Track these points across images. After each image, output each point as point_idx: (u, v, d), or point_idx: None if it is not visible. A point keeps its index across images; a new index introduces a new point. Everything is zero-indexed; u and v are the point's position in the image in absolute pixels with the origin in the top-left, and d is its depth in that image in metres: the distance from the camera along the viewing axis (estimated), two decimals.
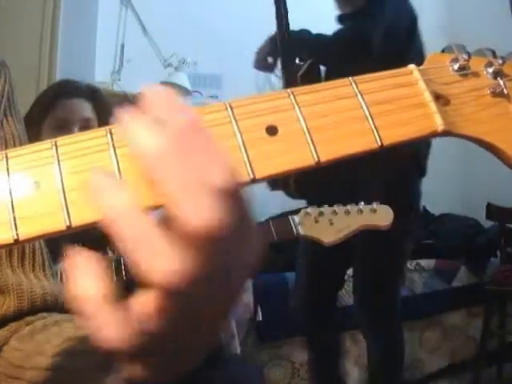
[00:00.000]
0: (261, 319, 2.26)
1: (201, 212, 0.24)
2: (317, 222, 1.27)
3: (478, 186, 3.36)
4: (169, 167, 0.25)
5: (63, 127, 1.33)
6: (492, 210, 2.68)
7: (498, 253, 2.74)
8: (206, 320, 0.28)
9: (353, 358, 2.40)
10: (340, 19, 1.99)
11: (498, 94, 0.35)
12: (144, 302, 0.26)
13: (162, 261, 0.25)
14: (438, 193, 3.42)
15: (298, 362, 2.35)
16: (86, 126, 1.35)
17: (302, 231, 1.27)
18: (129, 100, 2.95)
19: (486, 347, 2.46)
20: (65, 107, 1.36)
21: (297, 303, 2.02)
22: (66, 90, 1.40)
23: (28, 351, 0.46)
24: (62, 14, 2.29)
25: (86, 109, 1.38)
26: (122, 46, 3.11)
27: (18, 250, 0.53)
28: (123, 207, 0.25)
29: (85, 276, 0.27)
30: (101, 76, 2.93)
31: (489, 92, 0.35)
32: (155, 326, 0.26)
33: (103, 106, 1.41)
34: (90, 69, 2.95)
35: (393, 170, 1.73)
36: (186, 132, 0.26)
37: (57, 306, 0.54)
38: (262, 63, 2.05)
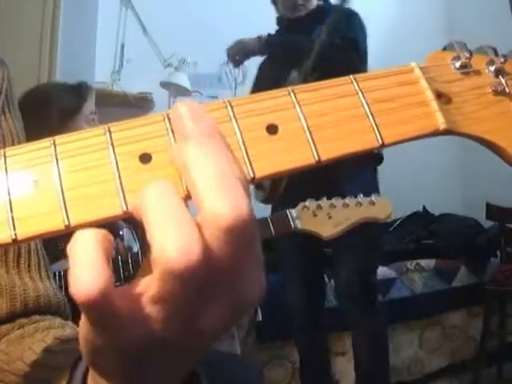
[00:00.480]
0: (261, 319, 2.26)
1: (236, 203, 0.25)
2: (315, 215, 1.26)
3: (478, 185, 3.36)
4: (205, 162, 0.26)
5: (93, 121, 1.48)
6: (492, 210, 2.68)
7: (498, 253, 2.74)
8: (207, 321, 0.27)
9: (352, 358, 2.40)
10: (281, 22, 2.03)
11: (499, 92, 0.34)
12: (147, 283, 0.26)
13: (183, 242, 0.24)
14: (437, 193, 3.42)
15: (298, 362, 2.34)
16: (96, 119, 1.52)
17: (299, 225, 1.26)
18: (129, 100, 2.95)
19: (486, 347, 2.46)
20: (90, 102, 1.52)
21: (294, 305, 2.03)
22: (91, 89, 1.55)
23: (12, 355, 0.46)
24: (62, 14, 2.29)
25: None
26: (122, 46, 3.10)
27: (14, 249, 0.53)
28: None
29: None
30: (101, 76, 2.93)
31: (490, 90, 0.35)
32: (155, 310, 0.26)
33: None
34: (90, 69, 2.94)
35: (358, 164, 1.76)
36: (210, 134, 0.27)
37: (50, 308, 0.54)
38: (239, 55, 2.10)
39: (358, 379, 2.02)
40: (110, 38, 3.08)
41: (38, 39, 2.23)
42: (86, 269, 0.25)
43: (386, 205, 1.28)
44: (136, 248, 1.32)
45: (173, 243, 0.24)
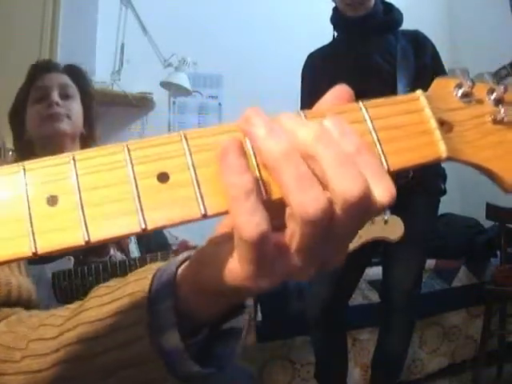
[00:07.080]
0: (261, 319, 2.26)
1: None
2: None
3: (478, 185, 3.35)
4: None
5: (43, 97, 1.35)
6: (492, 210, 2.68)
7: (498, 253, 2.74)
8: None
9: (353, 359, 2.40)
10: (340, 20, 2.02)
11: (498, 121, 0.36)
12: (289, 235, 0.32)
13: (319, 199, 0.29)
14: None
15: (298, 362, 2.35)
16: (64, 91, 1.38)
17: None
18: (129, 100, 2.95)
19: (486, 347, 2.46)
20: (43, 78, 1.39)
21: (314, 302, 1.97)
22: (45, 66, 1.44)
23: (19, 333, 0.47)
24: (62, 14, 2.30)
25: (64, 78, 1.41)
26: (122, 46, 3.11)
27: None
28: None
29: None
30: (101, 76, 2.93)
31: (490, 119, 0.36)
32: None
33: (82, 80, 1.45)
34: (90, 69, 2.94)
35: None
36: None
37: (31, 302, 0.57)
38: None
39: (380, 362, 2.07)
40: (110, 38, 3.09)
41: (38, 39, 2.23)
42: (254, 213, 0.29)
43: (398, 225, 1.27)
44: (137, 253, 1.35)
45: (309, 199, 0.29)
